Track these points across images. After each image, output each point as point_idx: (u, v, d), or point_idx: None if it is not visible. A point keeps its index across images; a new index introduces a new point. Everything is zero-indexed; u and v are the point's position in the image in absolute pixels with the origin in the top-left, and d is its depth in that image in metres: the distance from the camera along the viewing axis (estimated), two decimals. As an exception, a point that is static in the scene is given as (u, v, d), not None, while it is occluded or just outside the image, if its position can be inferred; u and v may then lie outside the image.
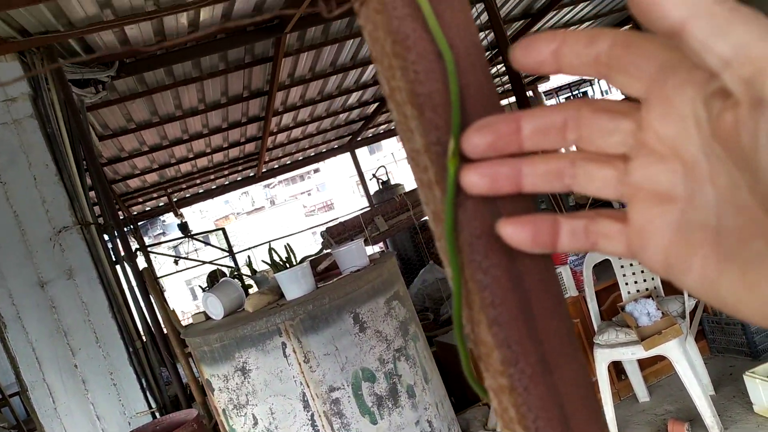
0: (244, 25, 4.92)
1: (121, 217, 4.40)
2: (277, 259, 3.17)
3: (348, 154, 12.56)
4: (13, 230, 3.60)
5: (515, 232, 0.36)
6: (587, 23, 9.17)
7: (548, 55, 0.34)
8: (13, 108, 3.62)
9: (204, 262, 8.80)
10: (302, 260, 3.18)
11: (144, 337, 3.96)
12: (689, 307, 3.48)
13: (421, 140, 0.35)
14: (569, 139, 0.36)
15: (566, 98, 32.81)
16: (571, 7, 7.56)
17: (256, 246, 9.93)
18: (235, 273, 3.56)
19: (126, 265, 3.97)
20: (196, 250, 13.68)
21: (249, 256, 3.56)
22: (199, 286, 5.74)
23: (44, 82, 3.69)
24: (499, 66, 6.81)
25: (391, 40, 0.34)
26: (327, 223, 7.80)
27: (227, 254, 11.04)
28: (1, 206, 3.60)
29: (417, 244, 8.75)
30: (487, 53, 8.30)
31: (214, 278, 5.17)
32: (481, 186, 0.36)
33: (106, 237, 3.91)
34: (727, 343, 4.00)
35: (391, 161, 35.34)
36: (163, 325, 3.88)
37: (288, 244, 3.23)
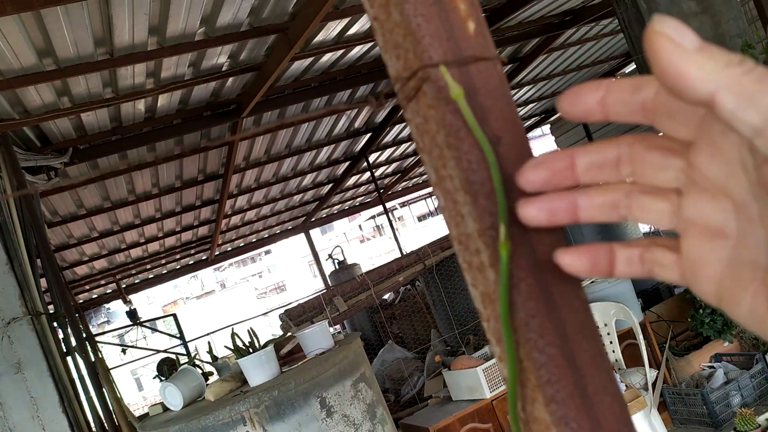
0: (201, 111, 4.98)
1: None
2: (239, 343, 3.10)
3: (301, 235, 12.54)
4: (-42, 323, 3.43)
5: (574, 260, 0.37)
6: (531, 105, 9.59)
7: (595, 105, 0.36)
8: (-38, 196, 3.53)
9: (157, 351, 8.49)
10: (266, 344, 3.11)
11: (95, 432, 3.75)
12: (651, 378, 3.52)
13: (474, 225, 0.37)
14: (623, 173, 0.37)
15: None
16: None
17: (209, 333, 9.69)
18: (194, 361, 3.45)
19: (77, 356, 3.80)
20: (144, 337, 13.17)
21: (209, 342, 3.47)
22: (152, 375, 5.53)
23: (-3, 169, 3.62)
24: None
25: (444, 132, 0.36)
26: (281, 306, 7.68)
27: (178, 341, 10.70)
28: (-55, 301, 3.44)
29: (375, 324, 8.68)
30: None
31: (164, 366, 4.99)
32: (540, 218, 0.37)
33: (56, 325, 3.76)
34: (689, 414, 4.04)
35: (343, 241, 35.37)
36: (115, 418, 3.69)
37: (251, 328, 3.17)
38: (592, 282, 4.30)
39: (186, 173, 6.54)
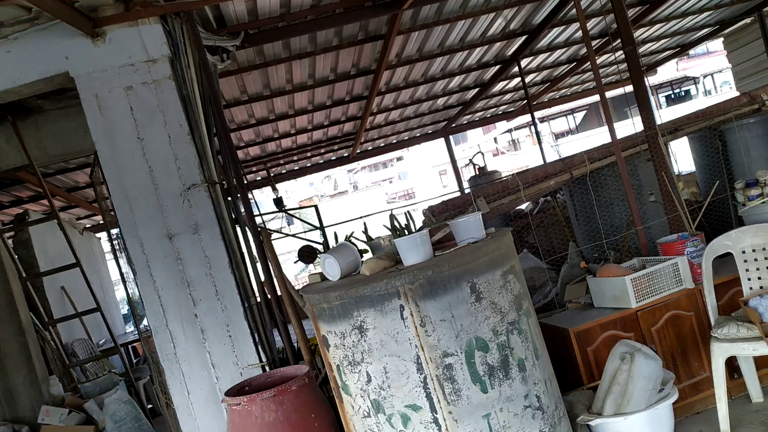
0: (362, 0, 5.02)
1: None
2: (396, 225, 3.24)
3: (435, 143, 12.56)
4: (148, 184, 3.84)
5: None
6: (706, 13, 8.78)
7: None
8: (153, 69, 3.85)
9: (300, 237, 9.03)
10: (421, 227, 3.24)
11: (258, 296, 4.14)
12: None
13: None
14: None
15: (667, 96, 31.52)
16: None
17: (346, 222, 10.08)
18: (351, 239, 3.66)
19: (245, 227, 4.16)
20: (288, 225, 13.99)
21: (364, 223, 3.65)
22: (293, 260, 5.91)
23: (182, 45, 3.89)
24: (617, 53, 6.63)
25: None
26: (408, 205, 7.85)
27: (317, 230, 11.28)
28: (138, 161, 3.84)
29: (511, 232, 8.69)
30: (606, 38, 8.09)
31: (304, 253, 5.33)
32: None
33: (229, 198, 4.10)
34: None
35: (477, 152, 34.97)
36: (276, 285, 4.04)
37: (408, 212, 3.30)
38: (764, 202, 4.04)
39: (340, 66, 6.68)
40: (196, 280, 3.86)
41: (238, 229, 4.13)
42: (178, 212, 3.85)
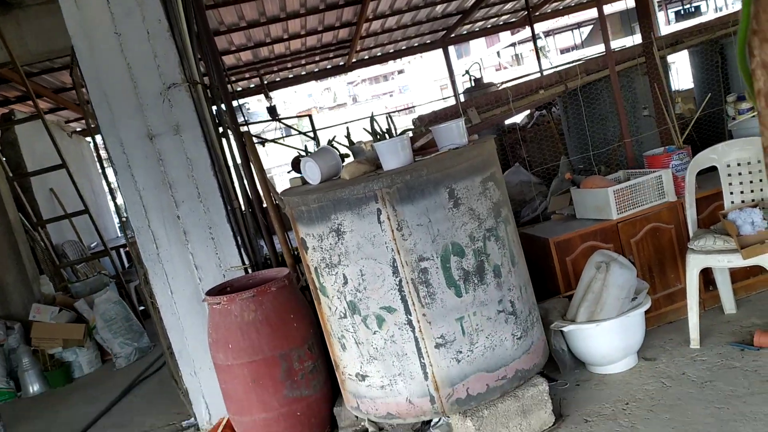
0: None
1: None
2: (377, 129, 3.19)
3: (436, 55, 12.25)
4: (126, 82, 3.75)
5: None
6: None
7: None
8: (129, -39, 3.68)
9: (293, 147, 8.96)
10: (402, 132, 3.19)
11: (241, 201, 4.13)
12: (797, 221, 3.32)
13: None
14: None
15: (676, 12, 30.59)
16: None
17: (337, 125, 9.94)
18: (332, 143, 3.61)
19: (228, 130, 4.09)
20: (282, 137, 13.85)
21: (347, 127, 3.60)
22: (287, 171, 5.87)
23: (160, -65, 3.70)
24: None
25: None
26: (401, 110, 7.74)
27: (312, 142, 11.19)
28: (116, 57, 3.73)
29: (504, 145, 8.61)
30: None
31: (298, 163, 5.28)
32: None
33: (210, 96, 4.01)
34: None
35: (473, 63, 34.24)
36: (259, 187, 4.03)
37: (389, 115, 3.24)
38: (754, 116, 3.97)
39: (334, -34, 6.42)
40: (177, 182, 3.84)
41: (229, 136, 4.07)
42: (158, 112, 3.78)
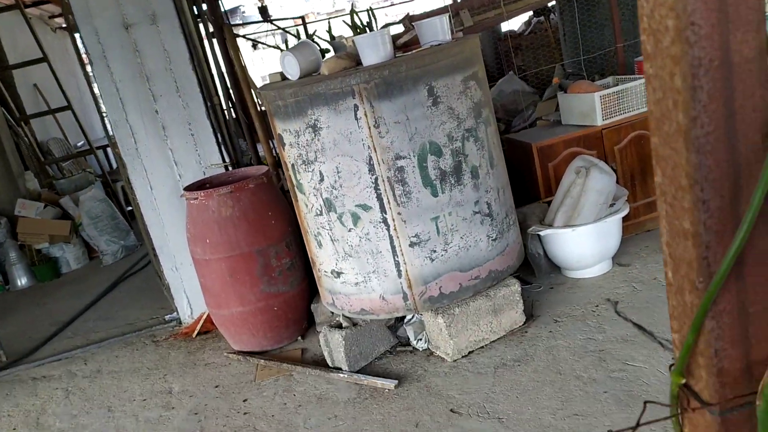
0: None
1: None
2: (358, 22, 3.08)
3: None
4: (100, -34, 3.58)
5: None
6: None
7: None
8: None
9: (281, 49, 8.72)
10: (383, 26, 3.08)
11: (221, 96, 4.05)
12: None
13: None
14: None
15: None
16: None
17: (327, 18, 9.65)
18: (313, 37, 3.50)
19: (208, 22, 3.96)
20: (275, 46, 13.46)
21: (329, 22, 3.47)
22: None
23: None
24: None
25: None
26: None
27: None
28: (87, -60, 3.55)
29: (499, 53, 8.41)
30: None
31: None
32: None
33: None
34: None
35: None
36: (239, 79, 3.94)
37: (370, 8, 3.12)
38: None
39: None
40: (155, 74, 3.74)
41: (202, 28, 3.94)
42: (133, 0, 3.63)
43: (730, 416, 0.46)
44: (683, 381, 0.50)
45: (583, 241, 3.45)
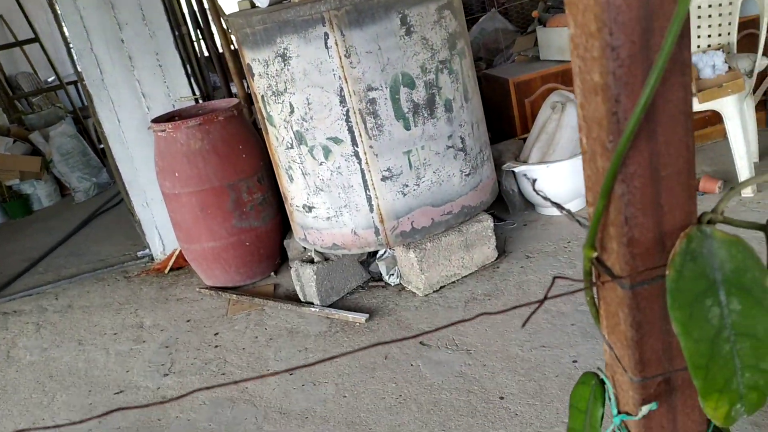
0: None
1: None
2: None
3: None
4: None
5: None
6: None
7: None
8: None
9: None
10: (356, -49, 2.95)
11: (190, 26, 3.91)
12: (760, 66, 3.24)
13: None
14: None
15: None
16: None
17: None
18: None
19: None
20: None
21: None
22: None
23: None
24: None
25: None
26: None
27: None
28: None
29: (481, -10, 8.20)
30: None
31: None
32: None
33: None
34: (787, 117, 3.82)
35: None
36: (208, 12, 3.80)
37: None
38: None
39: None
40: (120, 2, 3.59)
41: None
42: None
43: (641, 290, 0.43)
44: (595, 254, 0.48)
45: (558, 178, 3.43)
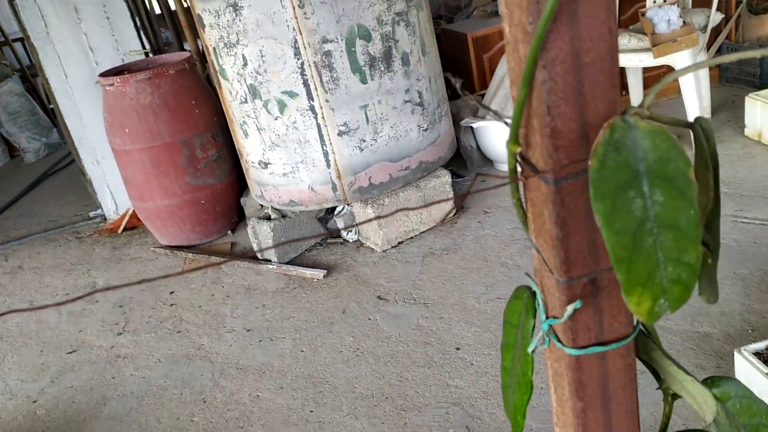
0: None
1: None
2: None
3: None
4: None
5: None
6: None
7: None
8: None
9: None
10: None
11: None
12: (714, 22, 3.27)
13: None
14: None
15: None
16: None
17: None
18: None
19: None
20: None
21: None
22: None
23: None
24: None
25: None
26: None
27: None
28: None
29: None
30: None
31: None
32: None
33: None
34: (739, 73, 3.87)
35: None
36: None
37: None
38: None
39: None
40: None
41: None
42: None
43: (565, 185, 0.42)
44: (519, 149, 0.46)
45: (515, 134, 3.42)
